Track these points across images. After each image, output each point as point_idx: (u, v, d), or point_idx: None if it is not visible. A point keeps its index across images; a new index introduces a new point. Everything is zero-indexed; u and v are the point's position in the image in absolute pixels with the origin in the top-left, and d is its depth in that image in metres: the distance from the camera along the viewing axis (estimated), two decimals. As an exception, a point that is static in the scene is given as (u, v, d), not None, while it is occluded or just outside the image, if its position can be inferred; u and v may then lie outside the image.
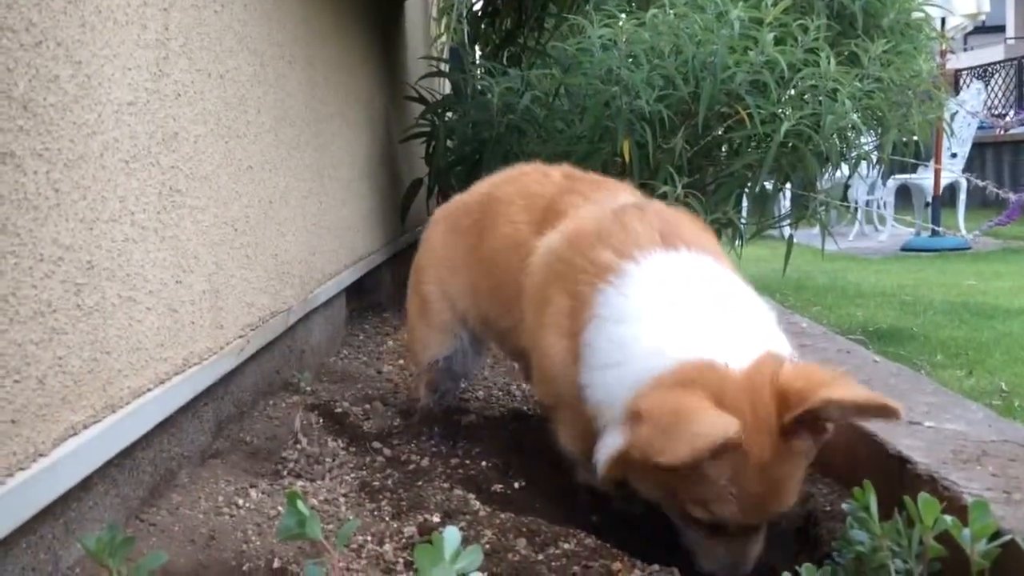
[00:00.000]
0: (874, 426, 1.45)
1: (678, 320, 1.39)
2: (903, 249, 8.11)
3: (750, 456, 1.24)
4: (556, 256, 1.66)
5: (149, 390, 1.49)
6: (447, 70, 4.47)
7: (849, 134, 3.56)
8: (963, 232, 7.67)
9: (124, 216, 1.43)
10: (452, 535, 1.13)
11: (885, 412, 1.21)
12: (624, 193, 1.85)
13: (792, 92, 3.45)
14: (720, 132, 3.62)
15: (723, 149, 3.79)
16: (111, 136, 1.40)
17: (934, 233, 7.57)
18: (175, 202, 1.63)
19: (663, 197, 3.30)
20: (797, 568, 1.15)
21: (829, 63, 3.31)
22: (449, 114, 4.20)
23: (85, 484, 1.29)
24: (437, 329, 2.06)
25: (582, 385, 1.48)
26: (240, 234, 1.97)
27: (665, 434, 1.20)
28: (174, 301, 1.60)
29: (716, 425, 1.18)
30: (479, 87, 4.03)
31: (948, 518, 1.04)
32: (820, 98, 3.35)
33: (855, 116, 3.38)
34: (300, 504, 1.19)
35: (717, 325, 1.37)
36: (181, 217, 1.65)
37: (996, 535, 1.02)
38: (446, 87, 4.92)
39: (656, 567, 1.33)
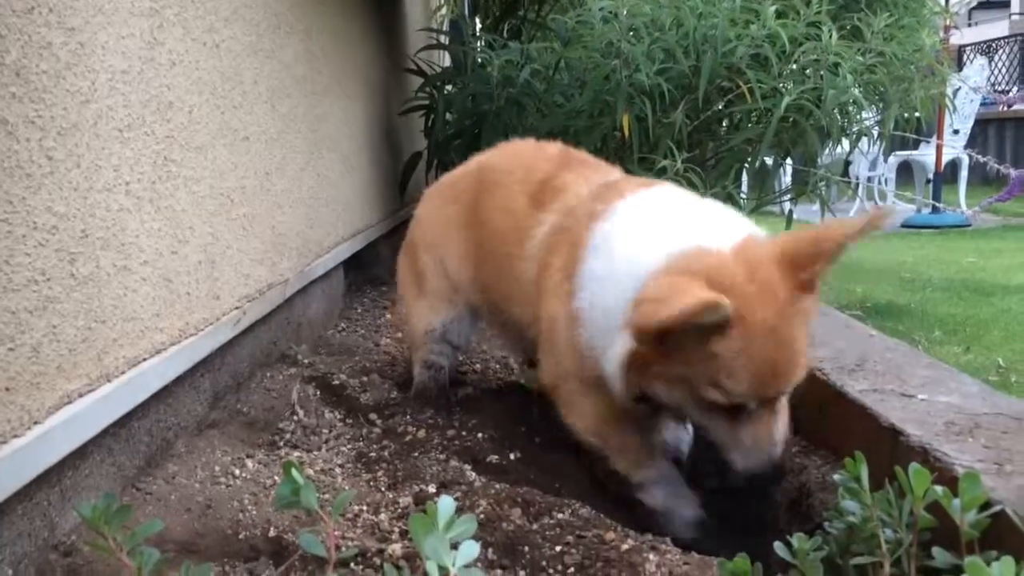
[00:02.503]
0: (868, 399, 1.46)
1: (661, 226, 1.49)
2: (903, 226, 8.09)
3: (753, 325, 1.28)
4: (555, 229, 1.71)
5: (145, 360, 1.49)
6: (447, 42, 4.43)
7: (850, 109, 3.54)
8: (963, 208, 7.64)
9: (118, 185, 1.42)
10: (446, 504, 1.13)
11: (876, 222, 1.31)
12: (616, 173, 1.90)
13: (793, 66, 3.43)
14: (720, 106, 3.60)
15: (723, 124, 3.77)
16: (105, 104, 1.39)
17: (934, 209, 7.55)
18: (170, 172, 1.62)
19: (663, 172, 3.29)
20: (789, 537, 1.16)
21: (831, 37, 3.28)
22: (449, 87, 4.17)
23: (81, 452, 1.30)
24: (434, 297, 2.08)
25: (577, 318, 1.54)
26: (236, 205, 1.97)
27: (657, 302, 1.27)
28: (169, 271, 1.60)
29: (702, 293, 1.25)
30: (479, 60, 4.00)
31: (939, 489, 1.04)
32: (822, 72, 3.33)
33: (857, 91, 3.36)
34: (296, 473, 1.19)
35: (698, 223, 1.47)
36: (176, 187, 1.65)
37: (986, 506, 1.02)
38: (446, 60, 4.89)
39: (649, 536, 1.33)
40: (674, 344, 1.31)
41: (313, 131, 2.68)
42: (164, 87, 1.61)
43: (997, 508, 1.02)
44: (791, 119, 3.37)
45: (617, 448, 1.62)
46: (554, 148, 1.99)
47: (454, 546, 1.07)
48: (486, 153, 2.13)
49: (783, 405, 1.40)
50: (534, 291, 1.72)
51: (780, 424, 1.40)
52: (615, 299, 1.42)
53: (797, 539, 1.14)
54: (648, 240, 1.47)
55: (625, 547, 1.28)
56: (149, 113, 1.55)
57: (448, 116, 4.06)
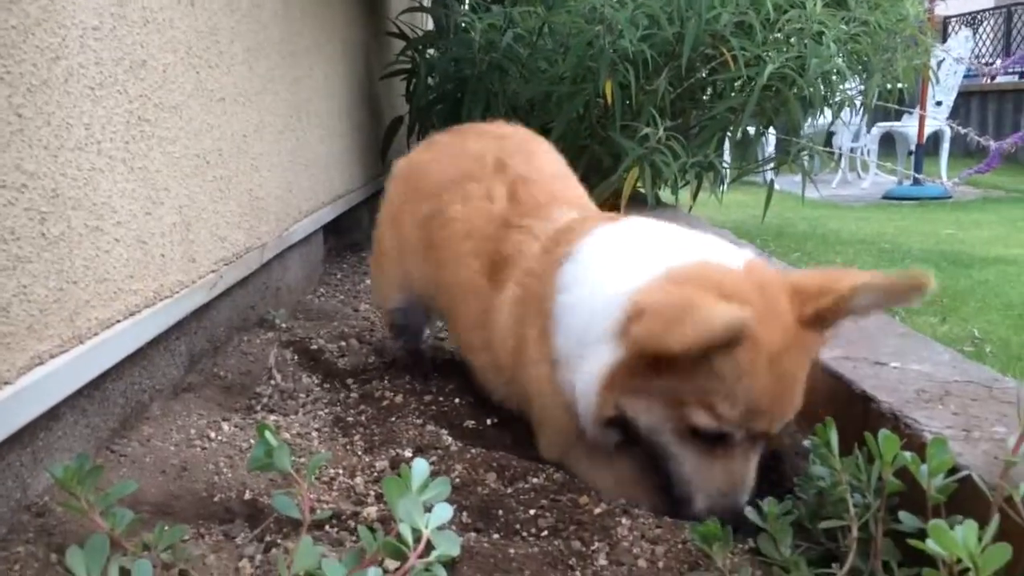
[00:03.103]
0: (841, 367, 1.47)
1: (652, 245, 1.42)
2: (885, 198, 8.13)
3: (761, 348, 1.19)
4: (517, 300, 1.61)
5: (118, 322, 1.48)
6: (429, 5, 4.38)
7: (834, 78, 3.53)
8: (944, 180, 7.69)
9: (90, 144, 1.40)
10: (420, 467, 1.14)
11: (915, 287, 1.17)
12: (565, 208, 1.76)
13: (778, 35, 3.42)
14: (704, 74, 3.59)
15: (707, 92, 3.76)
16: (76, 61, 1.36)
17: (915, 181, 7.59)
18: (143, 132, 1.60)
19: (645, 139, 3.28)
20: (760, 502, 1.17)
21: (815, 5, 3.27)
22: (431, 51, 4.13)
23: (53, 413, 1.29)
24: (391, 280, 2.05)
25: (556, 360, 1.43)
26: (212, 167, 1.95)
27: (672, 322, 1.15)
28: (143, 233, 1.58)
29: (728, 311, 1.13)
30: (462, 24, 3.96)
31: (907, 454, 1.05)
32: (805, 41, 3.32)
33: (840, 60, 3.36)
34: (270, 435, 1.19)
35: (694, 245, 1.40)
36: (150, 148, 1.62)
37: (953, 471, 1.03)
38: (429, 23, 4.83)
39: (622, 500, 1.34)
40: (670, 358, 1.19)
41: (292, 93, 2.65)
42: (137, 45, 1.58)
43: (964, 473, 1.03)
44: (774, 88, 3.37)
45: (650, 507, 1.36)
46: (502, 189, 1.82)
47: (428, 509, 1.08)
48: (442, 168, 1.98)
49: (760, 448, 1.31)
50: (510, 364, 1.61)
51: (752, 469, 1.29)
52: (590, 316, 1.34)
53: (768, 503, 1.15)
54: (636, 256, 1.39)
55: (598, 511, 1.30)
56: (121, 71, 1.52)
57: (430, 81, 4.03)
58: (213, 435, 1.61)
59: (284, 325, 2.38)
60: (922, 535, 0.87)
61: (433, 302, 1.96)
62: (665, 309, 1.18)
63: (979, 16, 14.74)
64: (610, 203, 3.25)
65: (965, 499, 1.02)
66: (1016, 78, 12.10)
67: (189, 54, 1.82)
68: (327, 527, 1.27)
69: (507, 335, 1.61)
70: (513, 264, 1.66)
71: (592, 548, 1.20)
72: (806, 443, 1.32)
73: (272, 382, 1.94)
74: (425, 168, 2.03)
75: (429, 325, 2.19)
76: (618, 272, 1.37)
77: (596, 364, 1.30)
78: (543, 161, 1.95)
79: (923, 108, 7.63)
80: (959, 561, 0.83)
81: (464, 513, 1.32)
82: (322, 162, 3.03)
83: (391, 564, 1.04)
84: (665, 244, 1.42)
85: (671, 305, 1.19)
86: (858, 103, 3.78)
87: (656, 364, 1.20)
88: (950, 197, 7.89)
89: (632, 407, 1.29)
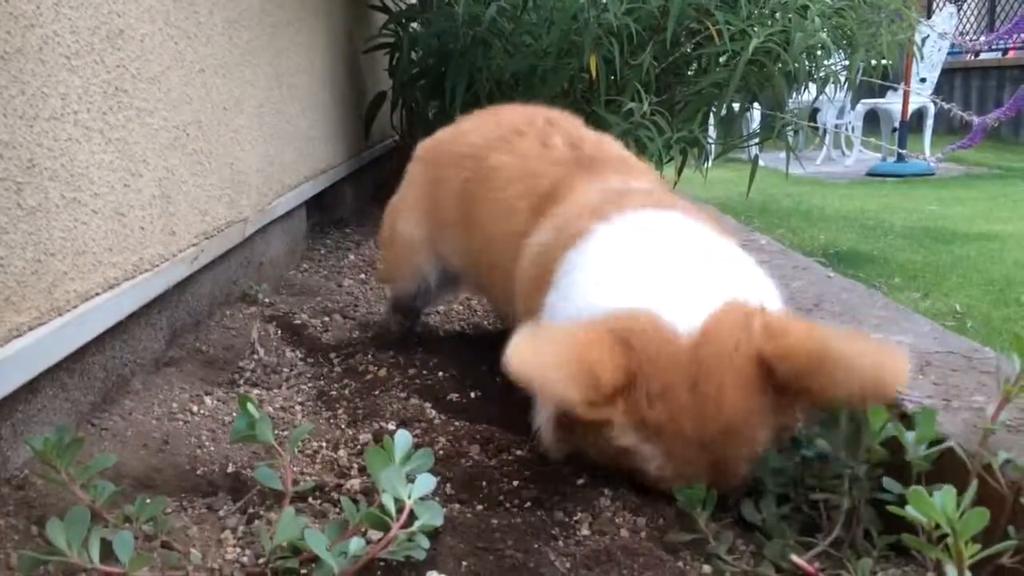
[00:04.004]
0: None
1: (623, 267, 1.27)
2: (869, 174, 8.17)
3: (678, 432, 1.10)
4: (537, 256, 1.49)
5: (97, 294, 1.46)
6: (412, -22, 4.33)
7: (818, 53, 3.53)
8: (927, 156, 7.72)
9: (67, 114, 1.38)
10: (403, 438, 1.14)
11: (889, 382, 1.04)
12: (636, 176, 1.63)
13: (763, 8, 3.40)
14: (689, 49, 3.58)
15: (691, 67, 3.75)
16: (51, 30, 1.34)
17: (899, 158, 7.61)
18: (121, 103, 1.57)
19: (629, 114, 3.27)
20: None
21: (800, -22, 3.26)
22: (414, 24, 4.09)
23: (32, 386, 1.28)
24: (404, 269, 2.00)
25: None
26: (192, 139, 1.92)
27: (542, 365, 1.09)
28: (122, 205, 1.56)
29: (567, 386, 1.07)
30: (445, -4, 3.92)
31: (894, 424, 1.06)
32: (790, 15, 3.31)
33: (824, 34, 3.35)
34: (251, 407, 1.19)
35: (672, 273, 1.22)
36: (128, 119, 1.60)
37: (935, 440, 1.04)
38: (412, -3, 4.78)
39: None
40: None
41: (273, 66, 2.62)
42: (114, 14, 1.55)
43: (947, 444, 1.04)
44: (759, 62, 3.36)
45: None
46: (560, 139, 1.71)
47: (411, 480, 1.08)
48: (482, 129, 1.88)
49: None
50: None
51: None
52: None
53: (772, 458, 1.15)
54: (598, 281, 1.27)
55: (581, 482, 1.30)
56: (98, 40, 1.49)
57: (413, 55, 3.99)
58: (195, 409, 1.61)
59: (267, 300, 2.37)
60: (902, 504, 0.88)
61: (471, 276, 1.91)
62: (542, 355, 1.10)
63: (964, -7, 14.74)
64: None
65: (945, 468, 1.03)
66: (999, 55, 12.12)
67: (168, 24, 1.79)
68: (310, 499, 1.27)
69: (523, 289, 1.51)
70: (562, 200, 1.52)
71: (575, 519, 1.21)
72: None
73: (255, 356, 1.93)
74: (460, 137, 1.93)
75: (443, 298, 2.17)
76: (591, 292, 1.26)
77: (541, 408, 1.28)
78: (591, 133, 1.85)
79: (908, 83, 7.64)
80: (938, 527, 0.83)
81: (448, 485, 1.32)
82: (304, 136, 3.00)
83: (375, 535, 1.04)
84: (662, 270, 1.24)
85: (546, 352, 1.11)
86: (842, 78, 3.77)
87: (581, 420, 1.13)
88: (933, 174, 7.93)
89: (587, 451, 1.25)
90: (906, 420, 1.12)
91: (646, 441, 1.13)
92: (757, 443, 1.13)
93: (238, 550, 1.11)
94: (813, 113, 4.38)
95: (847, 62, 3.76)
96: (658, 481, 1.17)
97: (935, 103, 4.74)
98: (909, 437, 1.04)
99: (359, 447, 1.48)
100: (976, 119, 3.62)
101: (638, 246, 1.30)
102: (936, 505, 0.82)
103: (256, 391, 1.74)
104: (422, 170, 2.00)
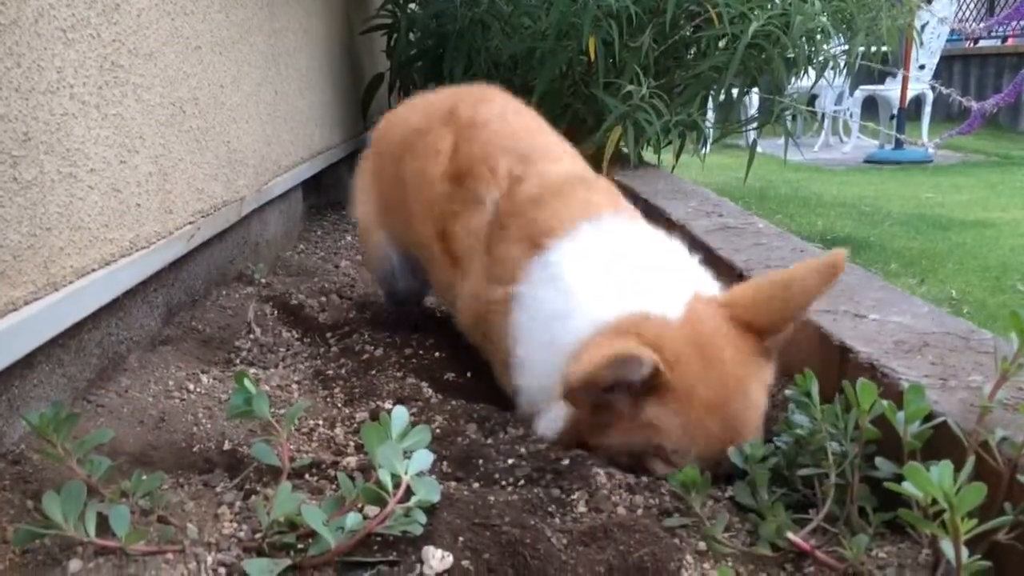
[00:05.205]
0: (821, 319, 1.47)
1: (598, 285, 1.37)
2: (867, 161, 8.15)
3: (694, 399, 1.21)
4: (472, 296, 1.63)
5: (93, 270, 1.45)
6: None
7: (818, 37, 3.51)
8: (925, 142, 7.70)
9: (62, 88, 1.37)
10: (400, 414, 1.13)
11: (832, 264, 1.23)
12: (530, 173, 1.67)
13: (763, -9, 3.39)
14: (688, 32, 3.56)
15: (691, 50, 3.73)
16: (46, 2, 1.33)
17: (897, 144, 7.60)
18: (117, 78, 1.56)
19: (628, 97, 3.26)
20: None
21: (801, -39, 3.24)
22: (412, 5, 4.06)
23: (28, 361, 1.27)
24: (371, 253, 2.05)
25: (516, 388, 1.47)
26: (189, 117, 1.91)
27: (573, 359, 1.20)
28: (118, 181, 1.56)
29: (623, 343, 1.18)
30: (443, -22, 3.90)
31: (884, 402, 1.06)
32: (790, -2, 3.30)
33: (824, 18, 3.34)
34: (248, 384, 1.18)
35: (642, 280, 1.36)
36: (124, 94, 1.59)
37: (929, 417, 1.04)
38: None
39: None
40: (607, 410, 1.25)
41: (270, 45, 2.60)
42: (110, -12, 1.54)
43: (940, 419, 1.04)
44: (759, 46, 3.34)
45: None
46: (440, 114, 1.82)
47: (408, 456, 1.07)
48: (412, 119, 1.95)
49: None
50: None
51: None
52: (550, 368, 1.33)
53: (749, 446, 1.16)
54: (581, 303, 1.36)
55: (577, 460, 1.30)
56: (94, 15, 1.48)
57: (411, 36, 3.97)
58: (192, 387, 1.60)
59: (263, 280, 2.36)
60: (898, 480, 0.88)
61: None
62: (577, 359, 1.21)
63: (964, -21, 14.68)
64: (592, 162, 3.23)
65: (941, 446, 1.03)
66: (999, 43, 12.09)
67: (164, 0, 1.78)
68: (307, 476, 1.27)
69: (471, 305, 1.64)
70: (459, 243, 1.67)
71: (572, 496, 1.21)
72: (787, 392, 1.33)
73: (251, 336, 1.93)
74: (391, 129, 2.01)
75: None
76: (567, 317, 1.35)
77: (555, 414, 1.36)
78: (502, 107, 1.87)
79: (907, 69, 7.62)
80: (934, 502, 0.83)
81: (444, 463, 1.32)
82: (301, 117, 2.99)
83: (372, 511, 1.04)
84: (619, 279, 1.37)
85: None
86: (842, 63, 3.76)
87: (602, 420, 1.27)
88: (931, 161, 7.92)
89: (602, 450, 1.32)
90: (902, 399, 1.11)
91: (670, 413, 1.22)
92: (760, 399, 1.28)
93: (235, 525, 1.10)
94: (811, 99, 4.36)
95: (847, 47, 3.75)
96: (673, 455, 1.24)
97: (934, 88, 4.73)
98: (900, 416, 1.04)
99: (356, 426, 1.48)
100: (975, 105, 3.61)
101: (594, 266, 1.42)
102: (933, 480, 0.82)
103: (253, 370, 1.74)
104: (373, 149, 2.07)
